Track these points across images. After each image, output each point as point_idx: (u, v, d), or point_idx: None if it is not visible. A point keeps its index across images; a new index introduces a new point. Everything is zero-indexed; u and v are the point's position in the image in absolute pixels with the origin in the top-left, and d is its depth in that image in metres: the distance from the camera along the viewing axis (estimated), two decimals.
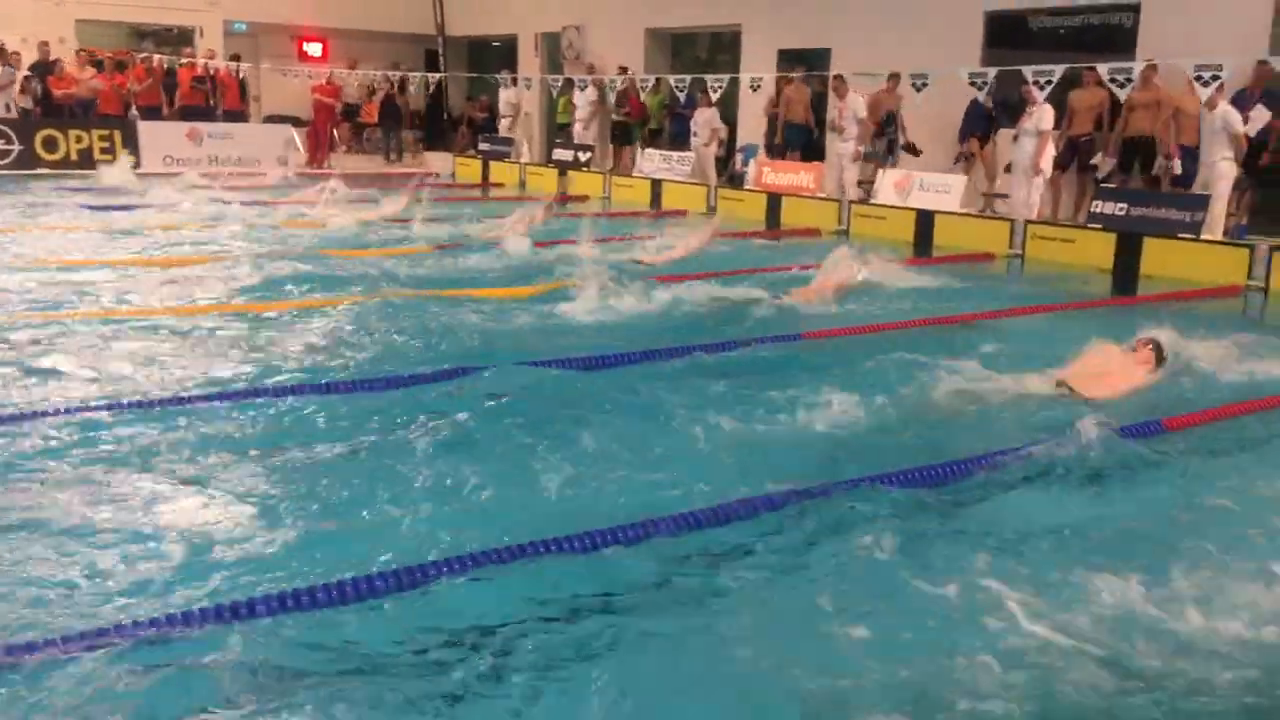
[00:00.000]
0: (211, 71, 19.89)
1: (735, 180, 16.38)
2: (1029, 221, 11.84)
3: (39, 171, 16.89)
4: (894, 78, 13.96)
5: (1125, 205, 11.16)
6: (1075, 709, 2.86)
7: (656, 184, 16.38)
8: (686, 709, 2.85)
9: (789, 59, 16.93)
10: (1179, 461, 4.81)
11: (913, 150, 14.45)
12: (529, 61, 22.57)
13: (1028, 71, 12.11)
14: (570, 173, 18.26)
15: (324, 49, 24.43)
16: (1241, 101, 11.08)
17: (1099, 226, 11.21)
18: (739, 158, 17.06)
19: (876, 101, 14.31)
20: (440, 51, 24.56)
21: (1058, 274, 10.63)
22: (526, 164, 19.76)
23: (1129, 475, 4.60)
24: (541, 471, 4.34)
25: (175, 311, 7.29)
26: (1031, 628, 3.19)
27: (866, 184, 14.28)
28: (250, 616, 3.09)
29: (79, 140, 17.65)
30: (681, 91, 16.95)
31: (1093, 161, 12.69)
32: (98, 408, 4.96)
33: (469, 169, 20.60)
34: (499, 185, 19.07)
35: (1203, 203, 10.62)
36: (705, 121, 16.16)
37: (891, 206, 13.15)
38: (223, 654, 2.89)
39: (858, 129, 14.09)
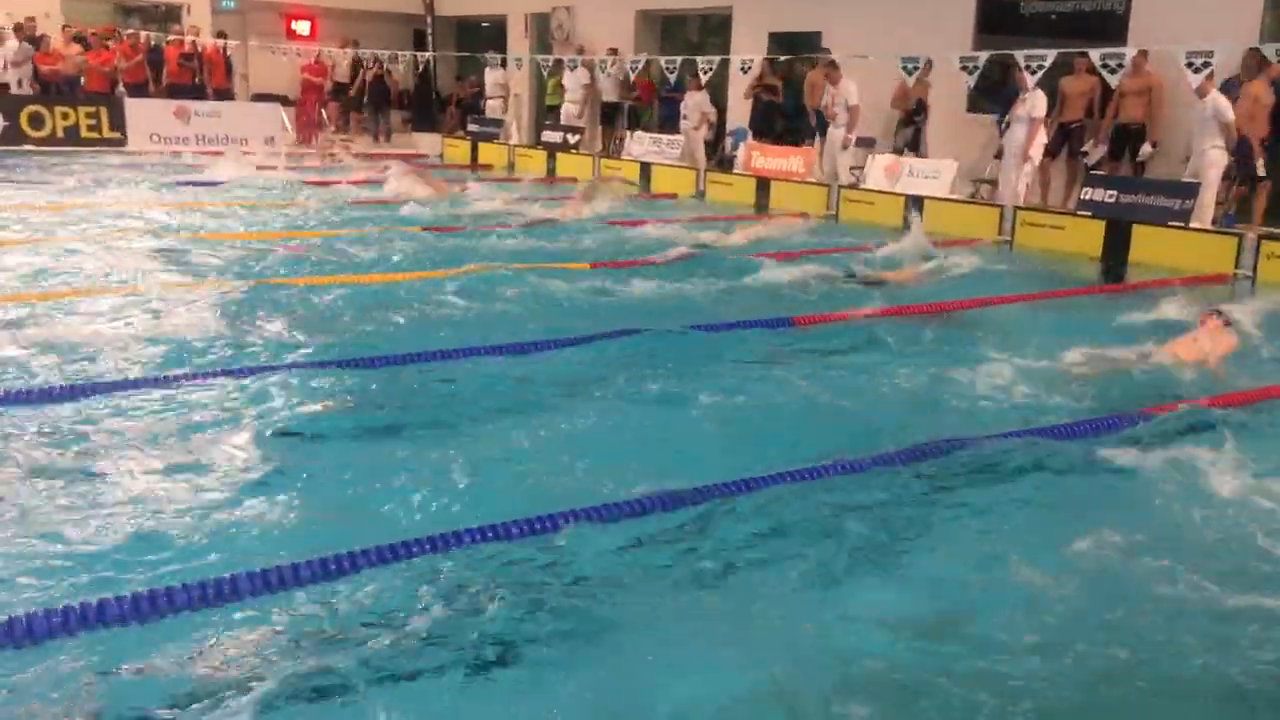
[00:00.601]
0: (199, 49, 19.72)
1: (724, 164, 16.36)
2: (1018, 208, 11.86)
3: (26, 148, 16.76)
4: (927, 65, 13.40)
5: (1115, 192, 11.19)
6: None
7: (646, 167, 16.35)
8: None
9: (779, 42, 16.90)
10: None
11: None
12: (518, 42, 22.46)
13: (1019, 57, 12.10)
14: (559, 154, 18.20)
15: (312, 27, 24.27)
16: (1228, 89, 11.10)
17: (1089, 213, 11.24)
18: (728, 141, 17.03)
19: (904, 90, 14.04)
20: (429, 31, 24.42)
21: (1047, 260, 10.66)
22: (515, 145, 19.68)
23: None
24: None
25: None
26: None
27: (856, 169, 14.27)
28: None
29: (65, 117, 17.51)
30: (672, 74, 16.89)
31: (1083, 149, 12.72)
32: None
33: (457, 150, 20.49)
34: (488, 167, 18.99)
35: (1192, 191, 10.65)
36: (695, 105, 16.12)
37: (881, 192, 13.16)
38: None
39: (848, 116, 14.06)
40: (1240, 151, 10.96)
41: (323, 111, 21.33)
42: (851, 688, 2.84)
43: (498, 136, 20.14)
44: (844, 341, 6.60)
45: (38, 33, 18.70)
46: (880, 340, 6.62)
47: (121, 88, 18.90)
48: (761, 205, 14.23)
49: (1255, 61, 10.99)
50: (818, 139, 14.87)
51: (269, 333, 6.21)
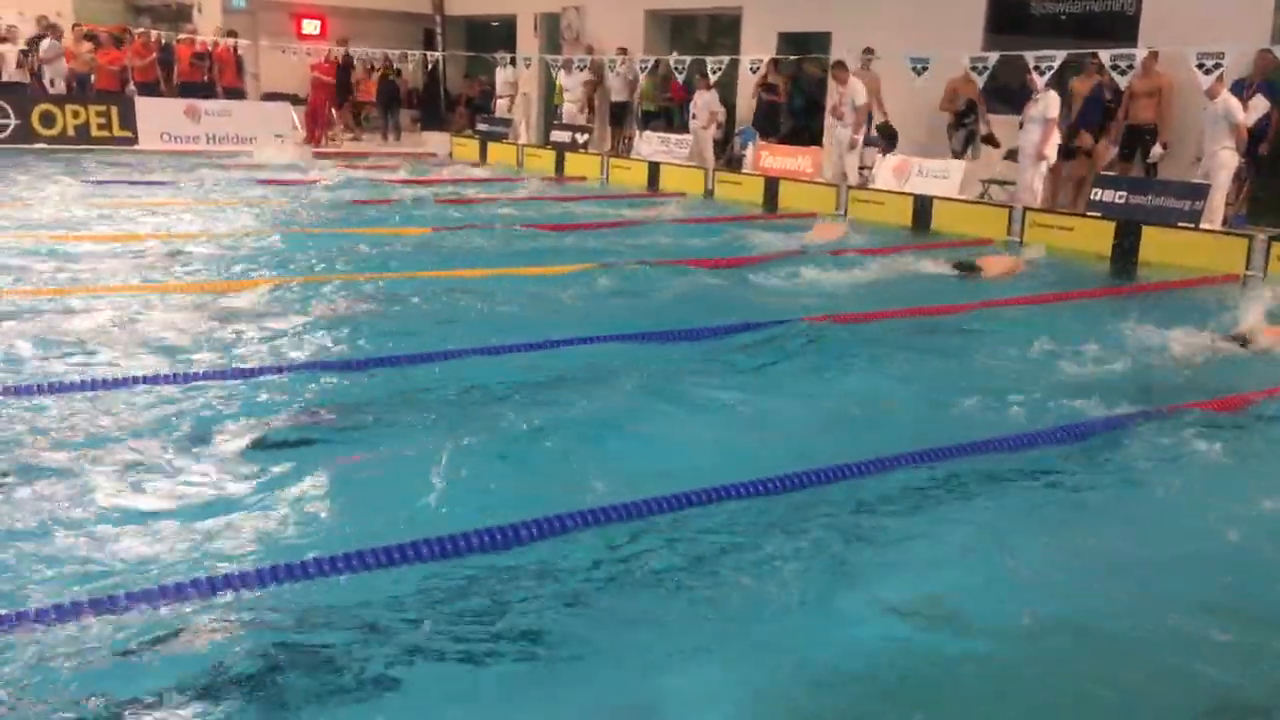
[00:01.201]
0: (210, 48, 19.76)
1: (733, 163, 16.36)
2: (1028, 209, 11.84)
3: (37, 146, 16.82)
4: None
5: (1125, 193, 11.18)
6: None
7: (654, 166, 16.36)
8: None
9: (789, 42, 16.90)
10: None
11: (993, 142, 13.84)
12: (528, 41, 22.49)
13: (1029, 57, 12.08)
14: (567, 153, 18.21)
15: (322, 26, 24.32)
16: (1239, 90, 11.07)
17: (1098, 214, 11.22)
18: (737, 141, 17.02)
19: (954, 90, 13.67)
20: (439, 31, 24.44)
21: (1057, 261, 10.64)
22: (524, 144, 19.71)
23: None
24: None
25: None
26: None
27: (865, 169, 14.26)
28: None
29: (76, 116, 17.56)
30: (681, 73, 16.89)
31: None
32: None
33: (466, 149, 20.53)
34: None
35: (1202, 192, 10.62)
36: (704, 104, 16.12)
37: (890, 191, 13.16)
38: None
39: (855, 115, 14.03)
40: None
41: (332, 111, 21.36)
42: (861, 690, 2.85)
43: (506, 135, 20.17)
44: (857, 344, 6.61)
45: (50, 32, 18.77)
46: (902, 341, 6.64)
47: (132, 86, 18.96)
48: (769, 205, 14.23)
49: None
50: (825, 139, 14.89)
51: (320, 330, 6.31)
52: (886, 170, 13.51)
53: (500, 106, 21.23)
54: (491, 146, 19.95)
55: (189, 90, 19.14)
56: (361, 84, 23.05)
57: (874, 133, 14.56)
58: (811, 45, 16.20)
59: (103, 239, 9.07)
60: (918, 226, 12.52)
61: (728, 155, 16.95)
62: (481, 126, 20.89)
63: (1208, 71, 10.59)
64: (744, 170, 15.50)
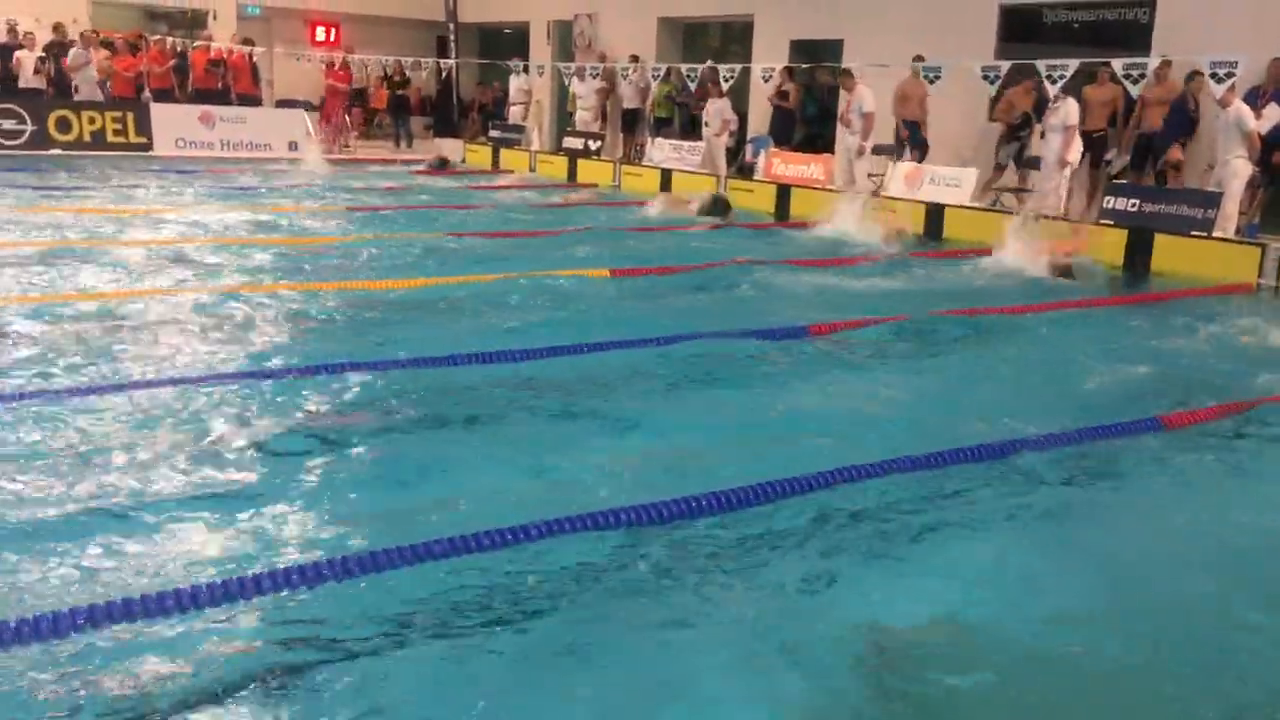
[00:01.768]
0: (225, 55, 19.87)
1: (745, 171, 16.38)
2: (1039, 216, 11.82)
3: (53, 152, 16.93)
4: (1032, 75, 12.58)
5: (1137, 201, 11.16)
6: None
7: (666, 173, 16.39)
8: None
9: (801, 50, 16.92)
10: None
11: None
12: (540, 49, 22.56)
13: (1041, 66, 12.08)
14: (579, 160, 18.27)
15: (336, 34, 24.45)
16: (1252, 99, 11.05)
17: (1110, 222, 11.21)
18: (749, 149, 17.05)
19: (1010, 103, 13.14)
20: (452, 38, 24.55)
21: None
22: (537, 151, 19.78)
23: None
24: None
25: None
26: None
27: (876, 176, 14.27)
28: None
29: (92, 121, 17.67)
30: (693, 81, 16.91)
31: (1106, 157, 12.68)
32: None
33: (479, 155, 20.62)
34: (509, 172, 19.09)
35: (1215, 200, 10.60)
36: (717, 112, 16.14)
37: (901, 199, 13.16)
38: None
39: (863, 123, 14.03)
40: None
41: (346, 117, 21.47)
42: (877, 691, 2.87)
43: (519, 142, 20.23)
44: (867, 347, 6.62)
45: (66, 38, 18.89)
46: (906, 343, 6.66)
47: (148, 93, 19.07)
48: (782, 213, 14.24)
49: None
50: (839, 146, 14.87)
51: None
52: (899, 178, 13.51)
53: (513, 113, 21.30)
54: (504, 153, 20.03)
55: (204, 97, 19.24)
56: (374, 91, 23.21)
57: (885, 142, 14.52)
58: (823, 53, 16.22)
59: (155, 242, 9.15)
60: (929, 234, 12.52)
61: (739, 163, 16.97)
62: (494, 133, 20.96)
63: (1220, 80, 10.58)
64: (756, 178, 15.52)
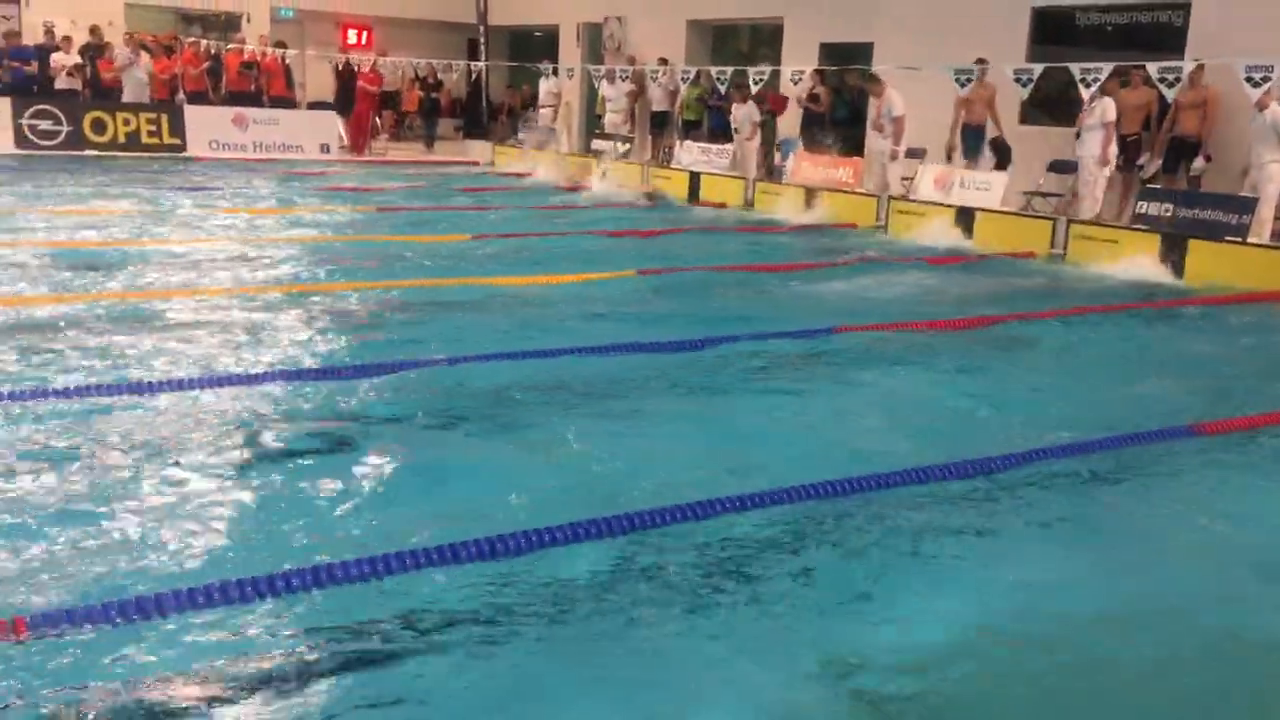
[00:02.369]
0: (259, 58, 20.06)
1: (773, 174, 16.35)
2: (1071, 221, 11.74)
3: (88, 153, 17.14)
4: (1140, 70, 11.91)
5: (1170, 206, 11.04)
6: None
7: (695, 176, 16.39)
8: None
9: (831, 53, 16.87)
10: None
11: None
12: (570, 51, 22.61)
13: (1075, 69, 11.98)
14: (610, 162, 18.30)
15: (368, 37, 24.61)
16: None
17: (1144, 227, 11.10)
18: (778, 152, 17.01)
19: (1125, 104, 12.31)
20: (482, 41, 24.65)
21: (1101, 274, 10.54)
22: (565, 153, 19.82)
23: None
24: None
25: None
26: None
27: (906, 180, 14.19)
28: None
29: (126, 123, 17.88)
30: (722, 83, 16.87)
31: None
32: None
33: (508, 157, 20.70)
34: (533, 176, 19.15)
35: (1250, 205, 10.47)
36: (745, 115, 16.12)
37: (931, 203, 13.09)
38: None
39: (893, 127, 13.96)
40: None
41: (376, 120, 21.61)
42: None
43: (548, 144, 20.28)
44: (894, 352, 6.59)
45: (103, 40, 19.13)
46: (937, 352, 6.62)
47: (182, 95, 19.27)
48: (810, 215, 14.19)
49: None
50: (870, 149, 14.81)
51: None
52: (928, 181, 13.44)
53: (543, 116, 21.36)
54: (533, 155, 20.08)
55: (237, 99, 19.44)
56: (406, 93, 23.34)
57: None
58: (853, 56, 16.15)
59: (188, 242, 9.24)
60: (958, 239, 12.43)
61: (768, 165, 16.94)
62: (523, 135, 21.03)
63: (1256, 84, 10.45)
64: (784, 181, 15.48)
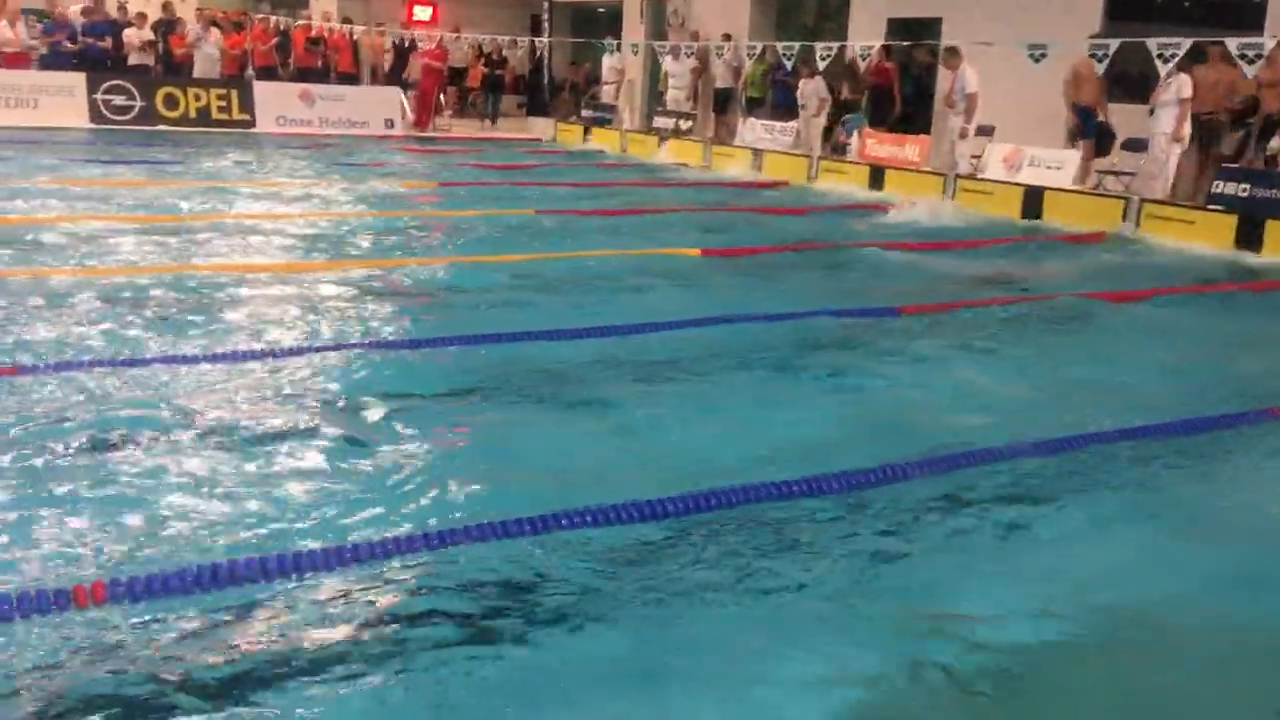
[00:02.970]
0: (326, 34, 20.28)
1: (838, 151, 16.18)
2: (1144, 200, 11.48)
3: (160, 128, 17.46)
4: (1218, 46, 11.28)
5: (1248, 186, 10.75)
6: None
7: (758, 153, 16.29)
8: None
9: (899, 28, 16.61)
10: None
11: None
12: (634, 27, 22.52)
13: (1151, 44, 11.68)
14: (669, 139, 18.26)
15: (434, 13, 24.72)
16: None
17: (1220, 208, 10.82)
18: (842, 129, 16.82)
19: (1202, 81, 11.62)
20: (545, 17, 24.65)
21: (1175, 255, 10.32)
22: (627, 130, 19.81)
23: None
24: None
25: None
26: None
27: (974, 158, 13.97)
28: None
29: (197, 99, 18.18)
30: (789, 59, 16.68)
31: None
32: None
33: (571, 134, 20.75)
34: (599, 152, 19.18)
35: None
36: (812, 91, 15.95)
37: (999, 181, 12.88)
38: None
39: (967, 103, 13.72)
40: None
41: (440, 96, 21.74)
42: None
43: (610, 121, 20.29)
44: (963, 332, 6.52)
45: (174, 15, 19.46)
46: (1005, 331, 6.54)
47: (251, 71, 19.54)
48: (875, 193, 14.06)
49: None
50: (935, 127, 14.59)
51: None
52: (996, 159, 13.22)
53: (606, 92, 21.36)
54: (595, 132, 20.12)
55: (304, 75, 19.67)
56: (471, 69, 23.45)
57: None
58: (922, 31, 15.90)
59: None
60: (1027, 217, 12.23)
61: (832, 143, 16.76)
62: (586, 112, 21.06)
63: None
64: (849, 158, 15.32)
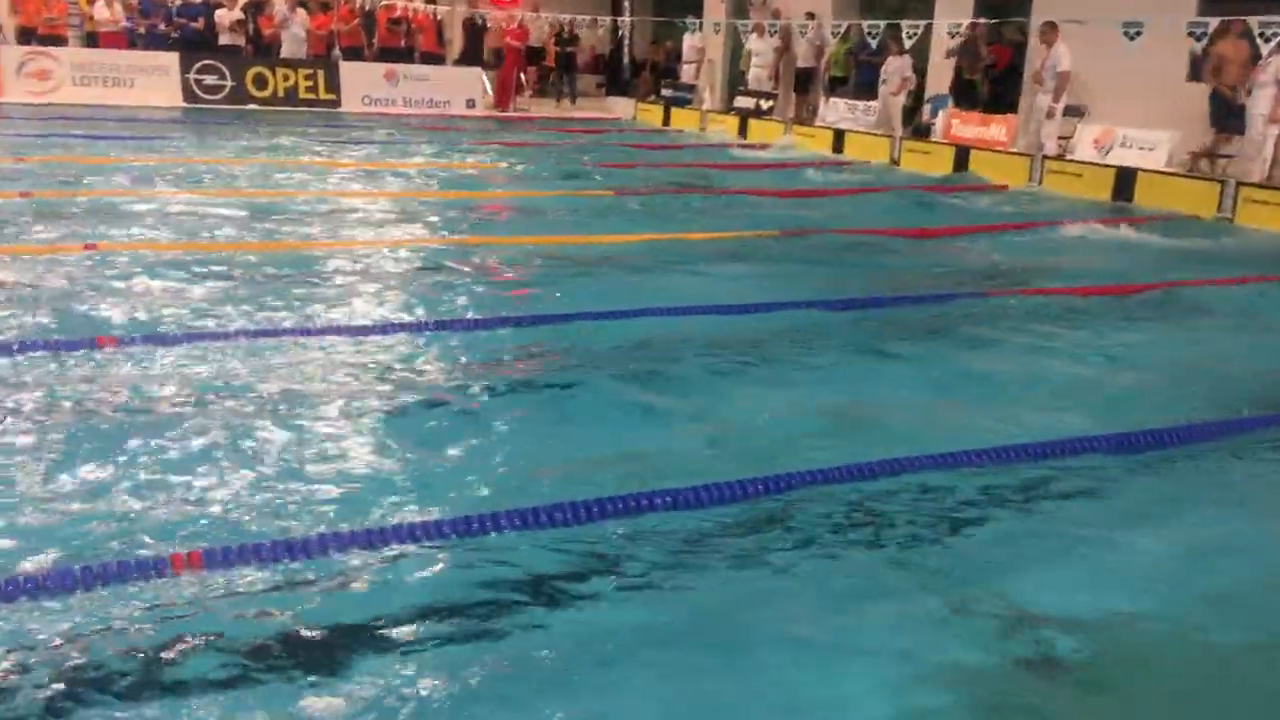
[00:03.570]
0: (409, 14, 20.47)
1: (921, 131, 15.91)
2: (1241, 184, 11.10)
3: (250, 107, 17.83)
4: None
5: None
6: None
7: (840, 134, 16.09)
8: None
9: (986, 5, 16.22)
10: None
11: None
12: (714, 6, 22.35)
13: (1253, 23, 11.26)
14: (750, 119, 18.12)
15: None
16: None
17: None
18: (927, 108, 16.53)
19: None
20: None
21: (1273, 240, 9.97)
22: (707, 110, 19.71)
23: None
24: None
25: None
26: None
27: (1064, 139, 13.62)
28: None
29: (286, 79, 18.52)
30: (874, 38, 16.41)
31: None
32: None
33: (650, 114, 20.71)
34: (679, 132, 19.13)
35: None
36: (896, 70, 15.70)
37: (1089, 163, 12.56)
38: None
39: (1057, 82, 13.35)
40: None
41: (521, 76, 21.83)
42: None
43: (690, 101, 20.20)
44: (1049, 317, 6.38)
45: None
46: (1096, 317, 6.40)
47: (337, 51, 19.84)
48: (960, 174, 13.80)
49: None
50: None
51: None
52: (1087, 140, 12.88)
53: (686, 72, 21.26)
54: (675, 112, 20.06)
55: (387, 55, 19.92)
56: (549, 49, 23.47)
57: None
58: (1011, 8, 15.50)
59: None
60: (1118, 200, 11.92)
61: (915, 123, 16.48)
62: (666, 92, 20.99)
63: None
64: (933, 139, 15.06)
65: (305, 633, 2.76)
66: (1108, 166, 12.26)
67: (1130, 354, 5.68)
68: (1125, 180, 11.98)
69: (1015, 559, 3.35)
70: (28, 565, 2.97)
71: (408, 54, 20.25)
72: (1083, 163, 12.64)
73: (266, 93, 18.33)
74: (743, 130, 18.03)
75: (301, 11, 19.20)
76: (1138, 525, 3.61)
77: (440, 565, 3.11)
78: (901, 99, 15.96)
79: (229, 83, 18.10)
